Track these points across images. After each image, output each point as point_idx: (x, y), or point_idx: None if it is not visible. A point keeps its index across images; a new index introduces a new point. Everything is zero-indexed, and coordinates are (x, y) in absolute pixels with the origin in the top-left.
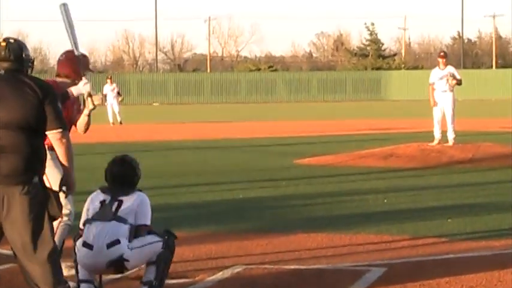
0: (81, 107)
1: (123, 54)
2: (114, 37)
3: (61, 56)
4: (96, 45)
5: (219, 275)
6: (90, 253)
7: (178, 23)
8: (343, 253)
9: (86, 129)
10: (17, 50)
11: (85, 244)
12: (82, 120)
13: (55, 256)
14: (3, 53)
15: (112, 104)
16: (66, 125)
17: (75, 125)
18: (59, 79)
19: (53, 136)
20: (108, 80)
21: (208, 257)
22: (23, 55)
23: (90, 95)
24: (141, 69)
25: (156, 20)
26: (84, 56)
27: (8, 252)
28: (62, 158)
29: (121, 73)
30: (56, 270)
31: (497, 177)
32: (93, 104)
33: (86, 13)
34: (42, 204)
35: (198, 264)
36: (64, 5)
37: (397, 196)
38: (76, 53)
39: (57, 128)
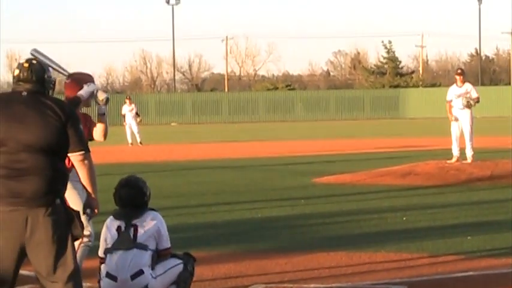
0: (93, 119)
1: (141, 75)
2: (132, 57)
3: (67, 79)
4: (114, 65)
5: None
6: (114, 285)
7: (196, 42)
8: (363, 271)
9: (105, 135)
10: (39, 71)
11: (108, 275)
12: (98, 125)
13: (77, 277)
14: (25, 74)
15: (131, 125)
16: (88, 147)
17: (93, 138)
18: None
19: (75, 158)
20: (127, 100)
21: (228, 277)
22: (45, 76)
23: (97, 91)
24: (159, 89)
25: (173, 40)
26: (88, 74)
27: (28, 273)
28: (85, 181)
29: (139, 93)
30: None
31: None
32: (104, 96)
33: (103, 34)
34: (65, 225)
35: (217, 284)
36: (34, 50)
37: (416, 214)
38: (66, 73)
39: (79, 150)
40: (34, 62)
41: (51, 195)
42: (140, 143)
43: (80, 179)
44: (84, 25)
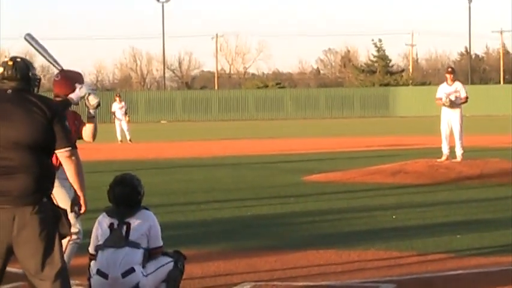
0: (83, 118)
1: (131, 72)
2: (122, 55)
3: (56, 76)
4: (104, 63)
5: None
6: (105, 282)
7: (186, 40)
8: (352, 270)
9: (94, 135)
10: (23, 69)
11: (99, 272)
12: (88, 126)
13: (65, 275)
14: (10, 72)
15: (121, 122)
16: (75, 143)
17: (82, 137)
18: (58, 99)
19: (62, 155)
20: (117, 98)
21: (217, 274)
22: (30, 74)
23: (88, 95)
24: (148, 86)
25: (163, 38)
26: (78, 73)
27: (16, 270)
28: (72, 177)
29: (129, 91)
30: None
31: (506, 193)
32: (95, 101)
33: (93, 31)
34: (52, 223)
35: (207, 282)
36: (28, 35)
37: (406, 212)
38: (59, 68)
39: (66, 147)
40: (18, 60)
41: (39, 194)
42: (130, 140)
43: (67, 176)
44: (74, 22)
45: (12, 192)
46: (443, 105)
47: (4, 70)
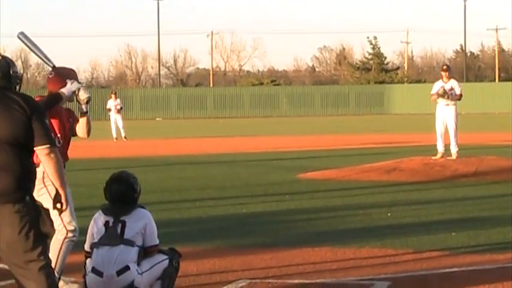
0: (76, 115)
1: (126, 70)
2: (117, 52)
3: (50, 73)
4: (99, 60)
5: None
6: (100, 280)
7: (181, 37)
8: (347, 267)
9: (88, 131)
10: (4, 66)
11: (94, 270)
12: (81, 122)
13: (48, 271)
14: None
15: (116, 119)
16: (54, 141)
17: (76, 133)
18: (50, 95)
19: (41, 152)
20: (113, 95)
21: (212, 272)
22: (11, 72)
23: (79, 91)
24: (144, 84)
25: (158, 35)
26: (72, 70)
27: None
28: (52, 175)
29: (124, 88)
30: (51, 285)
31: (501, 190)
32: (86, 96)
33: (88, 28)
34: (33, 222)
35: (202, 279)
36: (21, 33)
37: (401, 210)
38: (51, 64)
39: (45, 144)
40: None
41: (19, 192)
42: (125, 137)
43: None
44: (69, 19)
45: None
46: (438, 95)
47: None
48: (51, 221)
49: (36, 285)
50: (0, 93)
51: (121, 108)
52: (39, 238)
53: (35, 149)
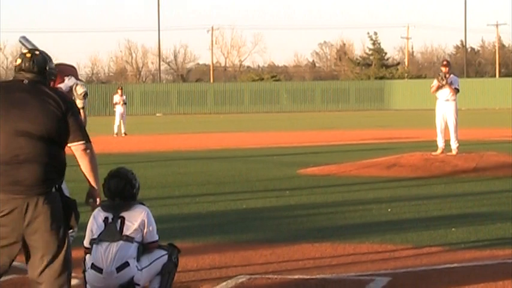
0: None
1: (126, 65)
2: (117, 48)
3: None
4: (99, 56)
5: (223, 285)
6: (100, 277)
7: (181, 33)
8: (347, 263)
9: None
10: (41, 62)
11: (94, 266)
12: None
13: (67, 267)
14: (27, 64)
15: (122, 114)
16: (89, 137)
17: None
18: None
19: (77, 148)
20: (119, 90)
21: (212, 267)
22: (47, 67)
23: (76, 86)
24: (144, 79)
25: (159, 31)
26: (72, 67)
27: (14, 263)
28: (87, 170)
29: (124, 84)
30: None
31: (501, 186)
32: (82, 91)
33: (88, 24)
34: (62, 214)
35: (202, 275)
36: (22, 37)
37: (401, 206)
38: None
39: (80, 140)
40: (37, 52)
41: (50, 184)
42: (124, 133)
43: (80, 168)
44: (70, 15)
45: (24, 182)
46: (439, 84)
47: (22, 62)
48: (78, 214)
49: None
50: (35, 87)
51: (125, 103)
52: (64, 232)
53: (70, 145)
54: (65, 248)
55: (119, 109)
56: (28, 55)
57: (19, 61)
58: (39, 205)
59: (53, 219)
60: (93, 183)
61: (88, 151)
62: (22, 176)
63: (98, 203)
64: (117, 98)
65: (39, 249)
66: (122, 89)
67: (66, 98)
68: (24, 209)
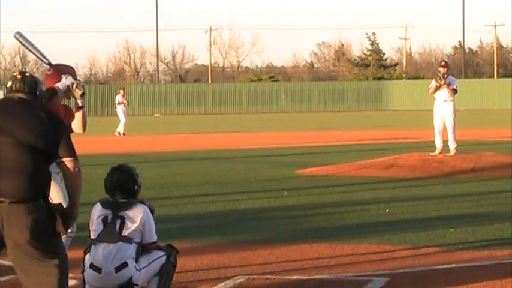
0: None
1: (124, 65)
2: (115, 48)
3: (48, 70)
4: (97, 56)
5: (221, 286)
6: (98, 277)
7: (180, 33)
8: (345, 263)
9: (84, 126)
10: (32, 83)
11: (92, 266)
12: (77, 116)
13: (57, 272)
14: (18, 85)
15: (124, 113)
16: (77, 156)
17: (72, 130)
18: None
19: (69, 164)
20: (121, 91)
21: (210, 268)
22: (37, 89)
23: (73, 85)
24: (142, 80)
25: (157, 31)
26: (70, 67)
27: (9, 263)
28: (72, 187)
29: (122, 84)
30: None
31: (499, 187)
32: (80, 91)
33: (87, 24)
34: (46, 223)
35: (200, 275)
36: (17, 33)
37: (399, 206)
38: (47, 61)
39: (71, 156)
40: (27, 74)
41: (33, 193)
42: (123, 134)
43: (66, 183)
44: (68, 15)
45: (6, 190)
46: (437, 85)
47: (13, 83)
48: (67, 221)
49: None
50: (26, 104)
51: (127, 103)
52: (51, 240)
53: (62, 160)
54: (48, 255)
55: (120, 109)
56: (18, 76)
57: (10, 83)
58: (18, 214)
59: (34, 229)
60: (72, 205)
61: (77, 169)
62: (5, 184)
63: (73, 221)
64: (119, 98)
65: (19, 256)
66: (123, 89)
67: (56, 115)
68: (5, 217)
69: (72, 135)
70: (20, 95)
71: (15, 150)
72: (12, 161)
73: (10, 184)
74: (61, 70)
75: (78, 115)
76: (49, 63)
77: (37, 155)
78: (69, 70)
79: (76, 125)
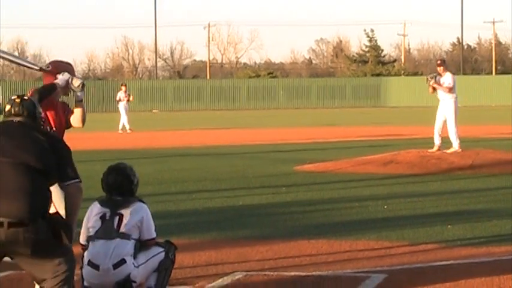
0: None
1: (123, 61)
2: (114, 44)
3: (47, 67)
4: (96, 52)
5: (219, 282)
6: (96, 273)
7: (178, 29)
8: (343, 259)
9: (83, 120)
10: (30, 107)
11: (90, 263)
12: (76, 111)
13: (68, 280)
14: (17, 109)
15: (126, 109)
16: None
17: (71, 125)
18: (45, 85)
19: (71, 185)
20: (123, 87)
21: (208, 264)
22: (36, 112)
23: (71, 79)
24: (140, 76)
25: (155, 27)
26: (68, 63)
27: (8, 259)
28: (72, 208)
29: (120, 80)
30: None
31: (498, 183)
32: (79, 83)
33: (85, 20)
34: (46, 241)
35: (198, 271)
36: None
37: (397, 203)
38: (37, 68)
39: (75, 178)
40: (25, 98)
41: (32, 214)
42: (129, 129)
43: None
44: (66, 10)
45: (5, 210)
46: (431, 87)
47: (11, 107)
48: (70, 233)
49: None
50: (25, 127)
51: (129, 99)
52: (54, 250)
53: (64, 183)
54: (61, 266)
55: (122, 105)
56: (17, 100)
57: (8, 107)
58: (19, 236)
59: (35, 248)
60: (73, 218)
61: (80, 191)
62: (5, 205)
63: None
64: (121, 94)
65: (31, 272)
66: (126, 85)
67: (57, 137)
68: (5, 238)
69: (71, 131)
70: (19, 118)
71: (15, 171)
72: (12, 181)
73: (9, 205)
74: (58, 67)
75: (77, 110)
76: (40, 68)
77: (36, 176)
78: (66, 67)
79: (76, 119)
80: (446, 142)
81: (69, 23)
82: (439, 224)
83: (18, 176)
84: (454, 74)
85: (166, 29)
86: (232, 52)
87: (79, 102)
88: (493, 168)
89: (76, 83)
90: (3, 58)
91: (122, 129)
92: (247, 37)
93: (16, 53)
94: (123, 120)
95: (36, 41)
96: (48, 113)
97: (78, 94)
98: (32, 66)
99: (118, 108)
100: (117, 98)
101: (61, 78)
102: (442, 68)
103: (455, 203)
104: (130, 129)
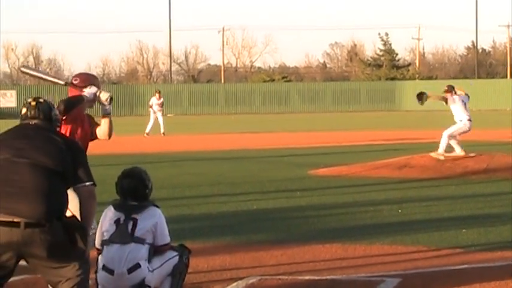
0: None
1: (137, 66)
2: (128, 48)
3: (74, 80)
4: (110, 56)
5: (234, 286)
6: (111, 278)
7: (192, 34)
8: (358, 264)
9: (110, 133)
10: (46, 109)
11: (105, 268)
12: (103, 123)
13: (84, 271)
14: (33, 112)
15: (156, 115)
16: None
17: (96, 137)
18: (72, 96)
19: (87, 188)
20: (157, 94)
21: (223, 268)
22: (52, 114)
23: (99, 92)
24: (155, 80)
25: (170, 31)
26: (94, 76)
27: (23, 263)
28: (87, 212)
29: (135, 84)
30: None
31: None
32: (107, 96)
33: (100, 25)
34: (62, 243)
35: (213, 276)
36: (24, 67)
37: (412, 207)
38: (63, 83)
39: (90, 181)
40: (41, 100)
41: (49, 215)
42: (163, 133)
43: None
44: (81, 16)
45: (23, 212)
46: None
47: (27, 110)
48: (85, 236)
49: None
50: (42, 130)
51: (162, 105)
52: (70, 252)
53: (79, 185)
54: (74, 271)
55: (153, 112)
56: (33, 103)
57: (24, 110)
58: (36, 236)
59: (51, 250)
60: (88, 222)
61: (94, 195)
62: (21, 206)
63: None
64: (154, 100)
65: (45, 275)
66: (160, 92)
67: (74, 141)
68: (21, 239)
69: (94, 142)
70: (35, 121)
71: (33, 172)
72: (30, 182)
73: (26, 205)
74: (85, 79)
75: (104, 121)
76: (65, 83)
77: (54, 178)
78: (93, 80)
79: (102, 132)
80: (464, 145)
81: (84, 27)
82: (454, 228)
83: (36, 177)
84: (458, 94)
85: (180, 33)
86: (247, 56)
87: (107, 115)
88: (507, 173)
89: (104, 96)
90: (29, 75)
91: (163, 133)
92: (261, 41)
93: (31, 58)
94: (160, 122)
95: (51, 46)
96: (74, 125)
97: (107, 108)
98: (58, 81)
99: (155, 113)
100: (150, 104)
101: (89, 91)
102: (450, 94)
103: (470, 207)
104: (147, 133)
